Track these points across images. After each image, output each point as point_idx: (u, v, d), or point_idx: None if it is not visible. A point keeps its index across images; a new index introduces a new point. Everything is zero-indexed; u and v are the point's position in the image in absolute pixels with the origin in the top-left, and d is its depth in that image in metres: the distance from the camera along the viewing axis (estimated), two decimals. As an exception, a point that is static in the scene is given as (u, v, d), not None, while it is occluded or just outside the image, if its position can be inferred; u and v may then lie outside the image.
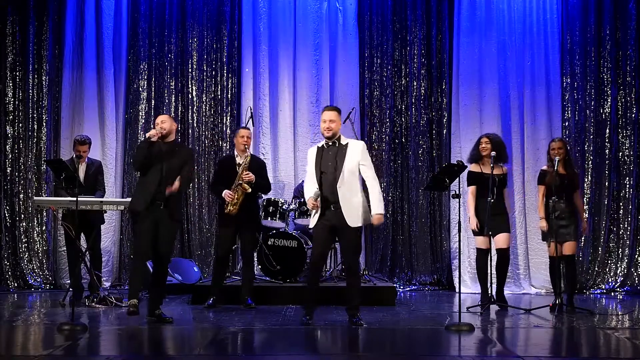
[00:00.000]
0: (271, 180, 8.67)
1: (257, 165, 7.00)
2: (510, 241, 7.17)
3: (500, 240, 7.03)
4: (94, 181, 7.40)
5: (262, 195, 7.58)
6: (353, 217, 5.89)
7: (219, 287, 6.99)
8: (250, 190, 6.77)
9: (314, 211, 5.93)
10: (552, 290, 7.15)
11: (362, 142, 6.18)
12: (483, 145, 7.03)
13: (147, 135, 6.02)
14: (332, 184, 5.88)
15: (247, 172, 6.79)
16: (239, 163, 6.93)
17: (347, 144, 6.00)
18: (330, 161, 5.93)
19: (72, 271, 7.38)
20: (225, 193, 6.79)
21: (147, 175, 6.02)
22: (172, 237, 6.21)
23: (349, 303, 6.00)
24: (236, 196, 6.78)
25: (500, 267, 7.09)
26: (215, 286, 6.97)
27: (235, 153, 7.05)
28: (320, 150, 6.03)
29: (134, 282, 6.15)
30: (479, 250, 7.11)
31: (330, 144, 6.00)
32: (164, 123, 6.12)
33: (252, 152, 8.76)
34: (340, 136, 6.04)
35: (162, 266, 6.16)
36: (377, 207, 5.92)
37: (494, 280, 7.17)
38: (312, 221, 6.00)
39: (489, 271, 6.99)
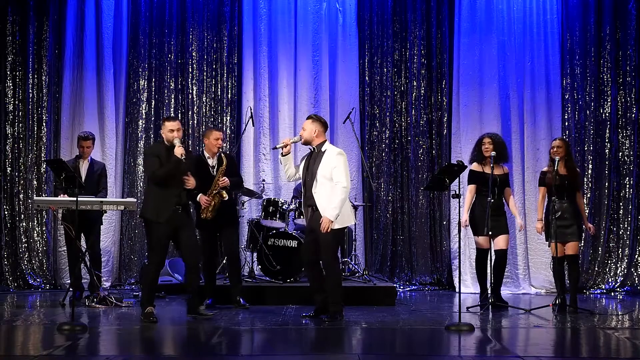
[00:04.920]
0: (271, 180, 8.72)
1: (229, 164, 6.88)
2: (508, 242, 7.17)
3: (499, 241, 7.04)
4: (96, 182, 7.38)
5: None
6: (324, 219, 6.07)
7: (212, 288, 6.97)
8: (226, 197, 6.70)
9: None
10: (553, 290, 7.15)
11: (338, 150, 6.30)
12: (486, 146, 7.01)
13: (179, 154, 6.05)
14: (310, 189, 6.17)
15: (223, 177, 6.71)
16: (212, 165, 6.80)
17: (325, 150, 6.21)
18: (309, 167, 6.24)
19: (72, 271, 7.38)
20: (201, 198, 6.66)
21: (167, 185, 6.10)
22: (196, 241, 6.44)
23: (327, 300, 6.17)
24: (213, 203, 6.69)
25: (498, 267, 7.10)
26: (209, 288, 6.94)
27: (206, 155, 6.87)
28: (307, 156, 6.37)
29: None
30: (478, 250, 7.12)
31: (312, 149, 6.29)
32: (180, 131, 6.21)
33: (253, 153, 8.82)
34: (322, 142, 6.25)
35: (197, 268, 6.27)
36: (329, 211, 6.05)
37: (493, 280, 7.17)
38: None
39: (488, 271, 7.00)
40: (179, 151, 6.02)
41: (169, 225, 6.08)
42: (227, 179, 6.71)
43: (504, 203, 7.14)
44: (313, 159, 6.24)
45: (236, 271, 6.96)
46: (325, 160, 6.13)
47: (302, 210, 6.46)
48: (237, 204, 7.50)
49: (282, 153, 6.25)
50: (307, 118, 6.41)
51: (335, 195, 6.04)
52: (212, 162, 6.84)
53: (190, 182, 6.25)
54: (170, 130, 6.14)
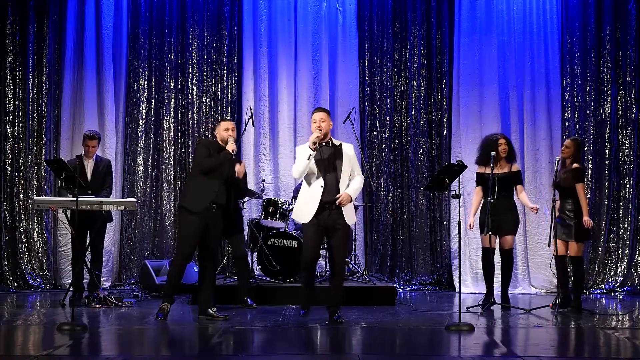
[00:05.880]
0: (271, 180, 8.73)
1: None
2: (513, 242, 7.15)
3: (502, 241, 7.04)
4: (102, 180, 7.38)
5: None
6: (350, 216, 6.05)
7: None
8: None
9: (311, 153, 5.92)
10: (553, 290, 7.15)
11: (350, 144, 6.25)
12: (503, 147, 6.99)
13: (231, 149, 6.13)
14: (334, 185, 5.97)
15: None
16: None
17: (340, 145, 6.11)
18: (329, 163, 6.01)
19: (73, 270, 7.36)
20: None
21: (209, 178, 6.13)
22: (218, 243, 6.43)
23: (332, 301, 6.06)
24: None
25: (502, 268, 7.10)
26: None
27: None
28: (316, 151, 5.99)
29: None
30: (482, 249, 7.12)
31: (323, 144, 6.04)
32: (234, 131, 6.33)
33: (253, 153, 8.82)
34: (330, 137, 6.14)
35: (209, 270, 6.26)
36: (351, 190, 6.03)
37: (497, 279, 7.18)
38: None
39: (492, 271, 7.00)
40: (231, 147, 6.15)
41: (202, 219, 6.08)
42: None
43: (513, 202, 7.08)
44: (330, 154, 6.01)
45: (244, 271, 6.99)
46: (347, 156, 6.04)
47: (305, 208, 6.03)
48: (241, 208, 7.51)
49: (313, 149, 5.92)
50: (321, 110, 6.11)
51: (357, 182, 6.08)
52: None
53: (241, 170, 6.56)
54: (226, 129, 6.27)
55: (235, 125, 6.44)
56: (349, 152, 6.10)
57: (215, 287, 6.48)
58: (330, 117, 6.26)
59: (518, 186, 7.11)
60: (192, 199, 6.14)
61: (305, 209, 6.03)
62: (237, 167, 6.47)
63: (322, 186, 5.96)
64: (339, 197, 5.93)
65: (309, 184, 6.06)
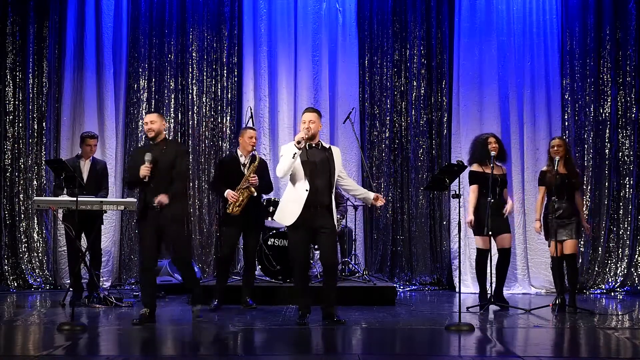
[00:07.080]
0: (271, 180, 8.70)
1: (260, 166, 6.94)
2: (511, 241, 7.18)
3: (502, 240, 7.04)
4: (99, 181, 7.37)
5: (263, 195, 7.56)
6: (335, 219, 6.00)
7: (223, 287, 6.95)
8: (255, 193, 6.76)
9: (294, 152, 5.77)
10: (553, 290, 7.15)
11: (339, 149, 6.26)
12: (493, 145, 6.99)
13: (142, 175, 5.89)
14: (326, 187, 5.91)
15: (254, 175, 6.75)
16: (244, 163, 6.88)
17: (330, 148, 6.07)
18: (319, 164, 5.92)
19: (72, 271, 7.37)
20: (229, 193, 6.68)
21: (142, 184, 5.98)
22: (181, 238, 6.19)
23: (328, 302, 5.98)
24: (241, 198, 6.70)
25: (501, 267, 7.10)
26: (220, 287, 6.90)
27: (239, 153, 6.96)
28: (302, 152, 5.85)
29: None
30: (478, 250, 7.11)
31: (313, 145, 5.97)
32: (154, 124, 6.07)
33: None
34: (320, 139, 6.07)
35: (182, 268, 6.20)
36: (371, 193, 6.15)
37: (494, 280, 7.17)
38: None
39: (488, 271, 6.99)
40: (142, 172, 5.91)
41: (150, 224, 5.95)
42: (257, 177, 6.74)
43: (505, 202, 7.13)
44: (322, 157, 5.93)
45: (252, 273, 7.01)
46: (337, 157, 6.00)
47: (288, 210, 5.91)
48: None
49: (299, 148, 5.78)
50: (311, 111, 6.01)
51: (356, 184, 6.34)
52: (243, 160, 6.90)
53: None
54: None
55: (156, 116, 6.11)
56: (338, 154, 6.07)
57: (194, 279, 6.24)
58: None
59: (505, 189, 7.16)
60: (138, 207, 6.13)
61: (288, 211, 5.90)
62: (143, 171, 5.94)
63: (307, 190, 5.83)
64: (379, 201, 6.07)
65: (294, 185, 5.93)
